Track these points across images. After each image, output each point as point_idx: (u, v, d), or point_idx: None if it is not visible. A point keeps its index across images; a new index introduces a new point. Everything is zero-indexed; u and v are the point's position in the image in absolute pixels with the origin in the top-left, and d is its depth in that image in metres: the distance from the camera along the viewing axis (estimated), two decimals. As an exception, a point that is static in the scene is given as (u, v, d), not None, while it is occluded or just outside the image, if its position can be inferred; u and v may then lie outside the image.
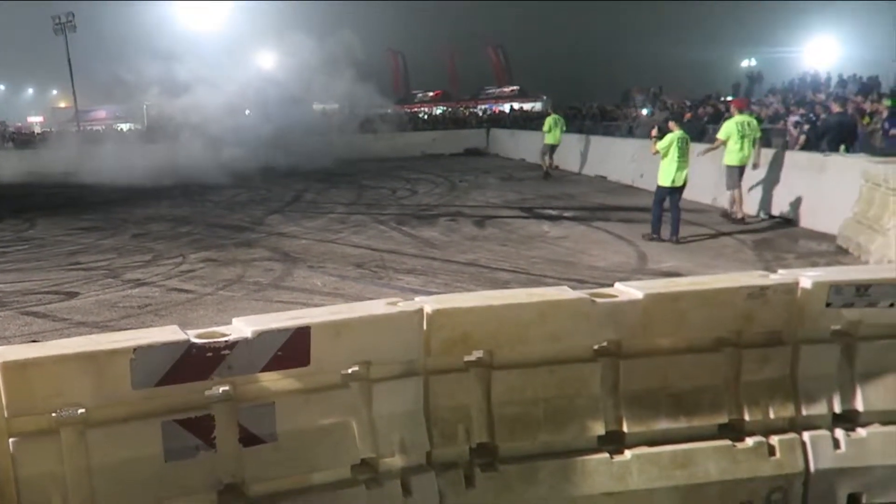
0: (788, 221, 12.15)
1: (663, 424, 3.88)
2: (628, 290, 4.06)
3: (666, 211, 11.04)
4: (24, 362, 3.36)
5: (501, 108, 47.55)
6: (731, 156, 12.35)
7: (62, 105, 67.47)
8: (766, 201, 12.86)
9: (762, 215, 12.81)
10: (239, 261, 10.49)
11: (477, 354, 3.86)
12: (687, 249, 10.52)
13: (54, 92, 70.91)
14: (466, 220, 13.45)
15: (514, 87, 61.54)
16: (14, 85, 70.16)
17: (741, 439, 3.93)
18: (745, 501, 3.88)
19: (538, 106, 49.82)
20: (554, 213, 14.08)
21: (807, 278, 3.97)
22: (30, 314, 8.06)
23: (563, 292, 4.12)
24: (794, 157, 12.73)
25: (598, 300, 3.96)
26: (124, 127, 45.83)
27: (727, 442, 3.90)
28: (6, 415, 3.35)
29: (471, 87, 64.33)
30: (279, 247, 11.46)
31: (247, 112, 32.43)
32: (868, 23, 35.38)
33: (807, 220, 11.83)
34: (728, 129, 12.39)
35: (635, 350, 3.92)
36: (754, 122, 12.89)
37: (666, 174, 10.81)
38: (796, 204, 12.13)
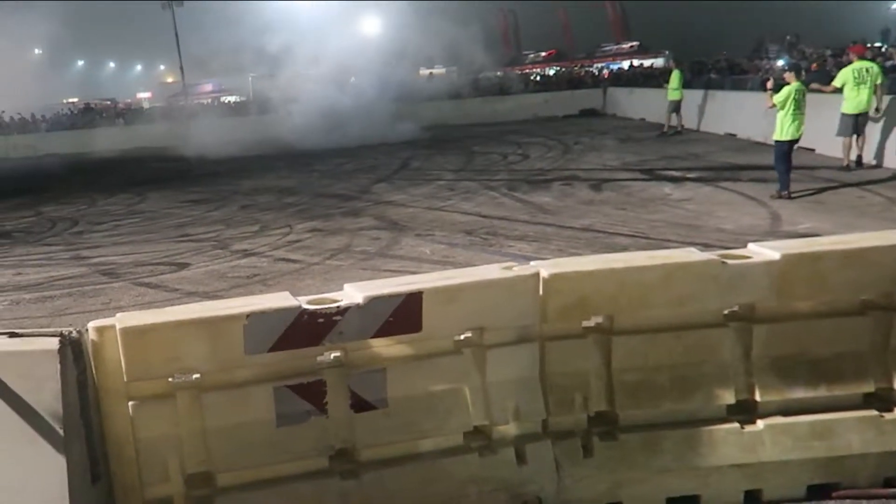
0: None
1: (800, 393, 3.76)
2: (763, 251, 3.93)
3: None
4: (142, 328, 3.57)
5: (620, 66, 46.41)
6: (847, 103, 12.55)
7: (169, 80, 70.58)
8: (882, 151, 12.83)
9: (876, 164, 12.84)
10: (345, 230, 10.74)
11: (596, 320, 3.83)
12: (826, 209, 10.05)
13: (161, 67, 74.15)
14: (581, 184, 13.28)
15: (634, 43, 59.85)
16: (123, 62, 73.85)
17: (889, 409, 3.76)
18: (893, 476, 3.72)
19: (659, 62, 48.40)
20: (677, 174, 13.71)
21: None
22: (142, 285, 8.54)
23: (690, 254, 4.03)
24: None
25: (730, 262, 3.85)
26: (231, 99, 47.42)
27: (873, 412, 3.75)
28: (125, 379, 3.57)
29: (586, 44, 63.08)
30: (386, 215, 11.66)
31: (352, 79, 32.95)
32: None
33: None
34: (844, 76, 12.64)
35: (770, 315, 3.79)
36: (875, 67, 12.86)
37: (784, 128, 10.84)
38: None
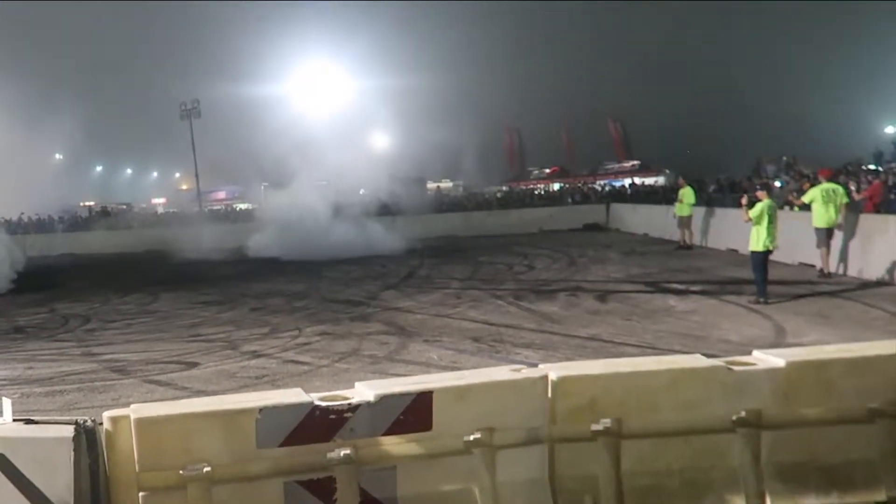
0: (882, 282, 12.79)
1: (811, 500, 3.72)
2: (768, 358, 3.97)
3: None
4: (156, 419, 3.58)
5: (622, 184, 47.30)
6: (819, 219, 13.92)
7: (184, 187, 72.11)
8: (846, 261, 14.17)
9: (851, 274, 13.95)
10: (354, 334, 10.75)
11: (605, 423, 3.81)
12: (831, 322, 10.06)
13: (177, 174, 75.87)
14: (587, 295, 13.34)
15: (635, 162, 61.24)
16: (140, 168, 75.51)
17: (903, 519, 3.70)
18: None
19: (661, 180, 49.36)
20: (681, 287, 13.79)
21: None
22: (152, 382, 8.50)
23: (697, 360, 4.07)
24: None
25: (736, 368, 3.89)
26: (243, 206, 48.27)
27: (886, 522, 3.69)
28: (137, 469, 3.55)
29: (589, 162, 64.55)
30: (394, 321, 11.68)
31: (361, 191, 33.56)
32: None
33: None
34: (812, 194, 14.13)
35: (778, 420, 3.78)
36: (840, 189, 14.37)
37: (760, 240, 11.71)
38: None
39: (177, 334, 11.57)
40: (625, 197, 35.83)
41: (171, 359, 9.75)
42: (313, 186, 30.13)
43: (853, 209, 14.60)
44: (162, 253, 27.31)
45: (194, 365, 9.31)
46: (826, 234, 13.84)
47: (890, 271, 12.89)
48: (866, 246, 13.72)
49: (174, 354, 10.01)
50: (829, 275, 13.76)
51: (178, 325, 12.35)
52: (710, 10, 59.39)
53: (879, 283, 12.83)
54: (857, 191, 16.53)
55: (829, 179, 14.57)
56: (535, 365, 4.32)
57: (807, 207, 14.26)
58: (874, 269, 13.29)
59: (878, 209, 15.76)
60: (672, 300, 12.50)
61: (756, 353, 4.05)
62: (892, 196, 16.46)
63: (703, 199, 24.73)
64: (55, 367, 9.58)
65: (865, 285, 12.83)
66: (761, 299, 11.58)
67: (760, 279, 11.75)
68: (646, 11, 62.45)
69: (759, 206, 11.72)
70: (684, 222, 21.08)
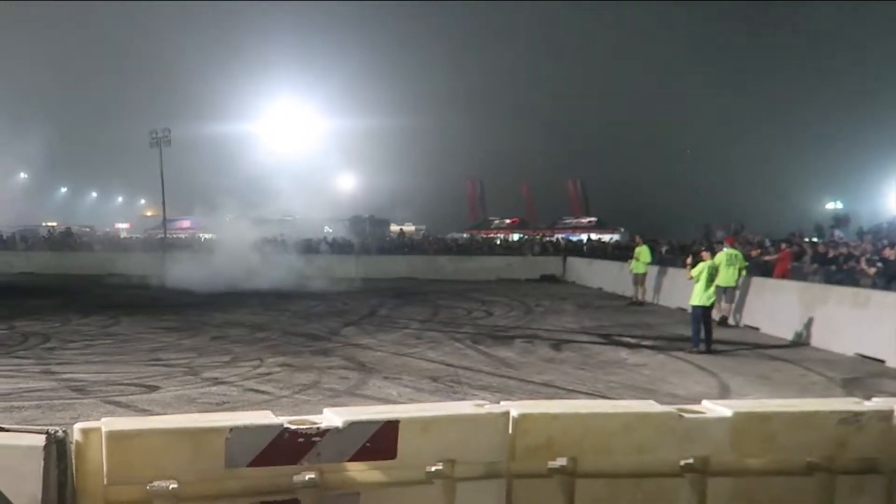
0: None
1: (753, 546, 3.82)
2: (716, 408, 4.11)
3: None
4: (127, 433, 3.59)
5: (579, 238, 47.90)
6: (721, 278, 15.49)
7: (149, 213, 71.37)
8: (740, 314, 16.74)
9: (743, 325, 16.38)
10: (315, 367, 10.72)
11: (561, 461, 3.91)
12: (772, 383, 10.31)
13: (142, 201, 75.13)
14: (542, 343, 13.48)
15: (592, 219, 62.37)
16: (106, 193, 74.53)
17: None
18: None
19: (616, 237, 50.13)
20: (632, 340, 14.02)
21: (904, 406, 3.95)
22: (112, 403, 8.39)
23: (650, 405, 4.19)
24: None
25: (686, 415, 4.01)
26: (207, 236, 47.84)
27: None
28: (105, 482, 3.55)
29: (548, 215, 65.53)
30: (354, 356, 11.68)
31: (326, 228, 33.61)
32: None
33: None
34: (719, 257, 15.75)
35: (724, 468, 3.91)
36: (740, 254, 16.79)
37: (699, 295, 12.90)
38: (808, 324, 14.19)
39: (137, 357, 11.42)
40: (581, 251, 36.26)
41: (131, 381, 9.63)
42: (277, 222, 30.15)
43: (750, 272, 16.98)
44: (123, 276, 26.99)
45: (155, 388, 9.21)
46: (723, 291, 16.10)
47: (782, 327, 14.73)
48: (768, 304, 15.81)
49: (134, 377, 9.88)
50: (726, 320, 16.33)
51: (139, 349, 12.20)
52: (671, 70, 61.25)
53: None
54: (764, 255, 19.20)
55: (732, 246, 17.02)
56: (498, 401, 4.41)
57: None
58: (773, 324, 15.21)
59: (784, 274, 17.26)
60: (624, 353, 12.69)
61: (705, 403, 4.19)
62: (797, 264, 18.02)
63: (655, 259, 25.21)
64: (13, 383, 9.41)
65: (797, 345, 13.81)
66: (694, 349, 12.72)
67: (695, 330, 12.95)
68: (607, 80, 64.18)
69: (700, 265, 12.99)
70: (639, 279, 21.46)
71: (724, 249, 16.55)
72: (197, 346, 12.53)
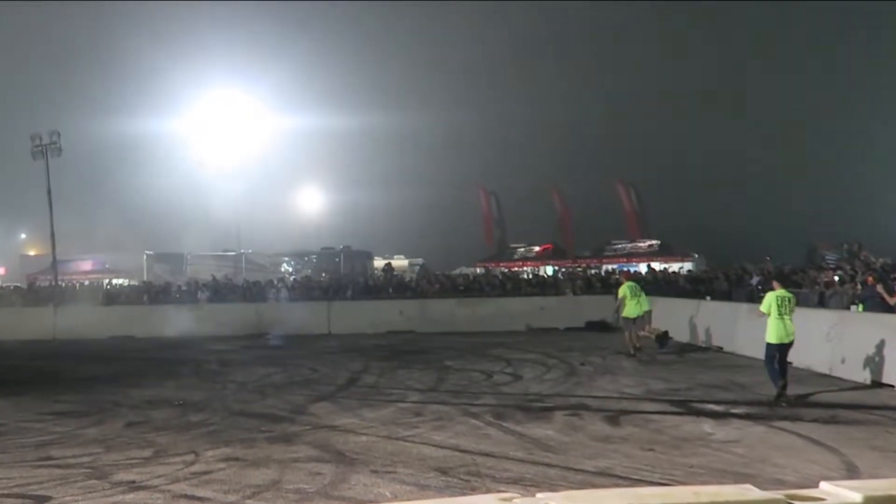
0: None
1: None
2: (840, 492, 3.98)
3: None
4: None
5: (637, 269, 47.91)
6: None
7: (31, 253, 71.37)
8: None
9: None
10: (274, 460, 10.58)
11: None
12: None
13: (22, 236, 75.38)
14: (593, 416, 13.34)
15: (654, 242, 61.80)
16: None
17: None
18: None
19: (688, 267, 50.16)
20: (718, 408, 13.90)
21: None
22: (-19, 527, 8.29)
23: (747, 491, 4.06)
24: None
25: (797, 503, 3.89)
26: (118, 282, 47.96)
27: None
28: None
29: (592, 239, 64.95)
30: (329, 444, 11.55)
31: (284, 264, 33.72)
32: None
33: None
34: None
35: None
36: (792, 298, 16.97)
37: (771, 331, 14.43)
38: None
39: (19, 457, 11.29)
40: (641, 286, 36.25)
41: (11, 491, 9.46)
42: (220, 258, 30.27)
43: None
44: (3, 343, 26.96)
45: (45, 500, 9.04)
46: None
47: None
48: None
49: (15, 485, 9.71)
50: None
51: (22, 445, 12.08)
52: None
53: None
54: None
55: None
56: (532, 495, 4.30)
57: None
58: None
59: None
60: (707, 425, 12.58)
61: (824, 486, 4.07)
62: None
63: (746, 294, 25.16)
64: None
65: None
66: (783, 403, 14.02)
67: (771, 373, 14.53)
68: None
69: (767, 297, 14.67)
70: (629, 324, 22.16)
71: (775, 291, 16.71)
72: (105, 437, 12.41)
